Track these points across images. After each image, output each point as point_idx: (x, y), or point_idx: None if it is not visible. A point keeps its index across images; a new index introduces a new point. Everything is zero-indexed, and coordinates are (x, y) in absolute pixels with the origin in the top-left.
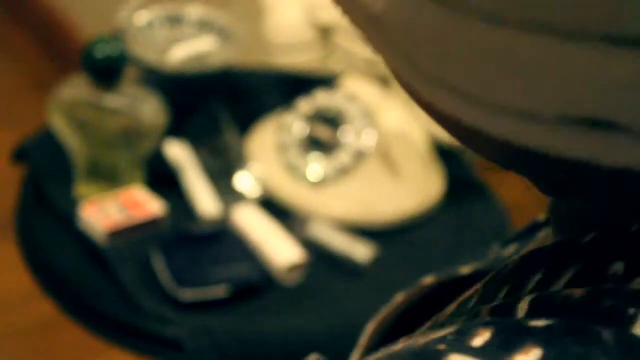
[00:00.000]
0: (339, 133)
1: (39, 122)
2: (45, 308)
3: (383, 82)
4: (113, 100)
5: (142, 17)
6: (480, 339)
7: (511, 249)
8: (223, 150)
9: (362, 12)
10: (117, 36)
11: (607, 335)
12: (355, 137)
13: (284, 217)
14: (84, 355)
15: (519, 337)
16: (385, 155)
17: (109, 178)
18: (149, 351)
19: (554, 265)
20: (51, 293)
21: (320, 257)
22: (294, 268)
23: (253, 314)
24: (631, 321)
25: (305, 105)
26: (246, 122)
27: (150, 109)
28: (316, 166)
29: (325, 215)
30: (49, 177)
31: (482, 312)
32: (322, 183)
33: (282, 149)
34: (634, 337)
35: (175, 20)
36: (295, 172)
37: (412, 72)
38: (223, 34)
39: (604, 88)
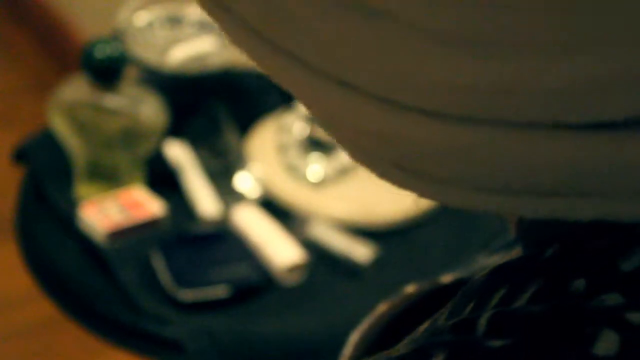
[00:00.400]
0: None
1: (39, 123)
2: (45, 308)
3: None
4: (113, 101)
5: (142, 17)
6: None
7: (495, 258)
8: (223, 151)
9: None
10: (117, 36)
11: (565, 356)
12: None
13: (284, 218)
14: (83, 355)
15: (474, 357)
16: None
17: (108, 178)
18: (149, 351)
19: (517, 280)
20: (51, 293)
21: (320, 258)
22: (294, 268)
23: (253, 314)
24: (591, 341)
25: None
26: (246, 122)
27: (150, 109)
28: (316, 166)
29: (325, 216)
30: (48, 178)
31: (445, 329)
32: (322, 183)
33: (282, 149)
34: (593, 356)
35: (175, 20)
36: (295, 173)
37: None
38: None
39: (538, 167)
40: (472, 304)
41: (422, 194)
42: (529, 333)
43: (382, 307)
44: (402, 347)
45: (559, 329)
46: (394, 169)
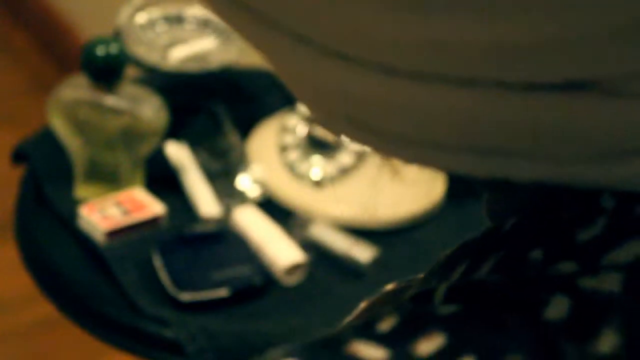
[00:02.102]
0: None
1: (39, 123)
2: (44, 308)
3: None
4: (113, 100)
5: (142, 17)
6: (386, 325)
7: None
8: (224, 151)
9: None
10: (117, 36)
11: (513, 321)
12: None
13: (284, 218)
14: (83, 356)
15: (425, 323)
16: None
17: (108, 178)
18: (149, 352)
19: (477, 254)
20: (50, 294)
21: (321, 258)
22: (294, 269)
23: (253, 314)
24: (542, 306)
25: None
26: (247, 122)
27: (151, 109)
28: (317, 167)
29: (326, 216)
30: (48, 178)
31: (405, 301)
32: (323, 184)
33: (283, 149)
34: (543, 321)
35: (175, 20)
36: (296, 173)
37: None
38: (223, 34)
39: (490, 123)
40: (434, 281)
41: (376, 149)
42: (480, 300)
43: (362, 305)
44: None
45: (510, 295)
46: (349, 125)
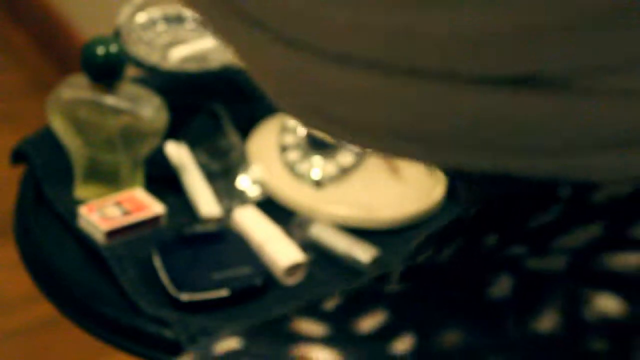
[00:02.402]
0: None
1: (40, 123)
2: (45, 308)
3: None
4: (113, 100)
5: (142, 17)
6: (331, 303)
7: None
8: (224, 151)
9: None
10: (117, 36)
11: (456, 298)
12: None
13: (285, 218)
14: (83, 356)
15: (369, 301)
16: (386, 156)
17: (108, 179)
18: (149, 353)
19: (441, 241)
20: (50, 294)
21: (322, 258)
22: (294, 269)
23: (253, 315)
24: (487, 285)
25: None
26: (247, 122)
27: (151, 109)
28: (317, 167)
29: (326, 216)
30: (48, 178)
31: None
32: (323, 184)
33: (283, 149)
34: (487, 299)
35: (175, 20)
36: (297, 173)
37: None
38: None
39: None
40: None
41: (340, 139)
42: (427, 280)
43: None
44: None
45: (457, 275)
46: (313, 115)
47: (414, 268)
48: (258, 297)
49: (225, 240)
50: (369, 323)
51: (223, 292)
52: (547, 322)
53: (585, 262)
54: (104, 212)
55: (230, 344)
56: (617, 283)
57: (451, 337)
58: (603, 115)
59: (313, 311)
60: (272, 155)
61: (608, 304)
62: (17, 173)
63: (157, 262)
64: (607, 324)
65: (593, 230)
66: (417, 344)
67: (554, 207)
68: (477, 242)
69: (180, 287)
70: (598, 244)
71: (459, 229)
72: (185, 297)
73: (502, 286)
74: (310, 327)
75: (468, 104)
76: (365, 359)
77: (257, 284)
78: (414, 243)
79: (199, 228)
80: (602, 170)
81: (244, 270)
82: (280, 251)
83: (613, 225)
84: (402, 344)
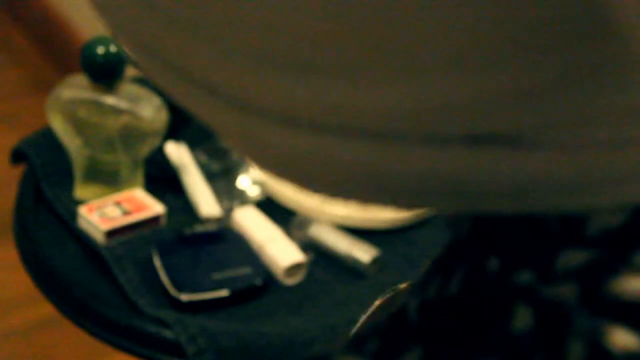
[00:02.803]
0: None
1: (39, 123)
2: (44, 308)
3: None
4: (112, 100)
5: None
6: (372, 345)
7: None
8: (224, 151)
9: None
10: None
11: (482, 332)
12: None
13: (284, 218)
14: (83, 356)
15: (402, 340)
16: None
17: (108, 179)
18: (148, 353)
19: (445, 269)
20: (50, 294)
21: (322, 258)
22: (294, 269)
23: (253, 315)
24: (508, 317)
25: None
26: None
27: (151, 109)
28: None
29: (326, 217)
30: (47, 178)
31: (383, 319)
32: None
33: None
34: (510, 332)
35: None
36: None
37: None
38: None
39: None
40: (412, 297)
41: (305, 189)
42: (449, 317)
43: (377, 303)
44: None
45: (474, 307)
46: (280, 175)
47: (429, 302)
48: (258, 297)
49: (225, 240)
50: None
51: (223, 292)
52: (575, 356)
53: (594, 290)
54: (104, 212)
55: None
56: (630, 315)
57: None
58: (551, 167)
59: (358, 351)
60: None
61: (627, 340)
62: (16, 173)
63: (157, 262)
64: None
65: (592, 253)
66: None
67: (549, 224)
68: (480, 268)
69: (180, 288)
70: (601, 267)
71: (458, 254)
72: (185, 297)
73: (523, 318)
74: None
75: (421, 164)
76: None
77: (257, 284)
78: (422, 271)
79: (199, 228)
80: (555, 209)
81: (244, 270)
82: (280, 251)
83: (612, 249)
84: None
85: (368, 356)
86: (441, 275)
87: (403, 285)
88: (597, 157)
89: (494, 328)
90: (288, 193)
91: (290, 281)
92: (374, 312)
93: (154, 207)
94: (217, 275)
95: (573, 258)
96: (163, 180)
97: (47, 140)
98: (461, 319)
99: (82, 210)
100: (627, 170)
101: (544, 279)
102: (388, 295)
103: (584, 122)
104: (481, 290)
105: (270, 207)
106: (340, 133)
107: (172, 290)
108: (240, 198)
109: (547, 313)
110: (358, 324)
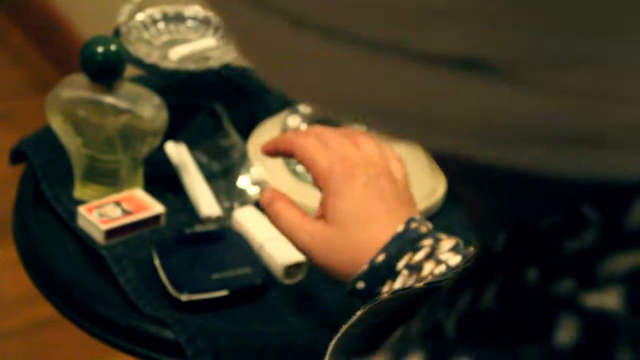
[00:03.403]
0: None
1: (39, 122)
2: (44, 309)
3: None
4: (112, 100)
5: (142, 16)
6: None
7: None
8: (224, 151)
9: None
10: (117, 35)
11: (530, 352)
12: None
13: None
14: (83, 356)
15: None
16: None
17: (108, 179)
18: (148, 353)
19: (477, 281)
20: (50, 294)
21: None
22: (294, 269)
23: (253, 315)
24: (552, 330)
25: (307, 105)
26: (248, 122)
27: (150, 109)
28: None
29: None
30: (47, 178)
31: (416, 335)
32: None
33: None
34: (556, 347)
35: (175, 19)
36: (297, 173)
37: None
38: (224, 33)
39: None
40: (441, 310)
41: (320, 111)
42: (492, 333)
43: (359, 313)
44: (377, 356)
45: (519, 324)
46: (291, 87)
47: (469, 318)
48: (258, 297)
49: (225, 240)
50: None
51: (223, 292)
52: None
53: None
54: (104, 212)
55: None
56: None
57: None
58: (538, 109)
59: None
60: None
61: None
62: (16, 173)
63: (157, 262)
64: None
65: (634, 256)
66: None
67: (586, 231)
68: (518, 279)
69: (180, 287)
70: None
71: (491, 266)
72: (185, 297)
73: (567, 329)
74: None
75: (412, 82)
76: None
77: (257, 283)
78: (446, 284)
79: (199, 228)
80: (532, 163)
81: (244, 270)
82: (280, 251)
83: None
84: None
85: None
86: (473, 287)
87: (385, 295)
88: (595, 109)
89: (537, 340)
90: (287, 193)
91: (290, 281)
92: (357, 321)
93: (154, 207)
94: (217, 275)
95: (617, 263)
96: (163, 180)
97: (46, 140)
98: (503, 333)
99: (82, 210)
100: (616, 130)
101: (587, 287)
102: (370, 305)
103: (582, 65)
104: (520, 302)
105: None
106: (345, 39)
107: (171, 290)
108: (240, 198)
109: (592, 322)
110: (339, 334)
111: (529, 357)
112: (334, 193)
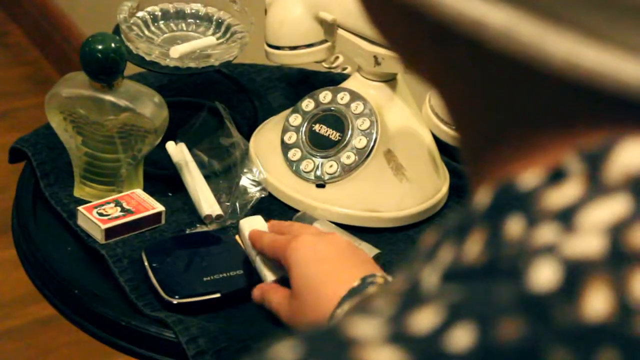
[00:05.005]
0: (343, 132)
1: (38, 121)
2: (44, 309)
3: (388, 80)
4: (112, 98)
5: (143, 14)
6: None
7: None
8: (225, 150)
9: None
10: (117, 33)
11: (501, 291)
12: (359, 136)
13: (285, 217)
14: (83, 356)
15: (420, 301)
16: (389, 155)
17: (107, 178)
18: (148, 353)
19: (457, 234)
20: (50, 294)
21: None
22: (285, 282)
23: (254, 316)
24: (527, 271)
25: (309, 104)
26: (249, 121)
27: (150, 107)
28: (319, 166)
29: (328, 215)
30: (46, 176)
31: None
32: (325, 183)
33: (285, 148)
34: (529, 287)
35: (175, 17)
36: (299, 172)
37: None
38: (225, 31)
39: None
40: (427, 266)
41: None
42: (474, 278)
43: (346, 308)
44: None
45: (498, 271)
46: None
47: (454, 270)
48: (250, 300)
49: (217, 242)
50: (425, 320)
51: (215, 295)
52: (597, 309)
53: (618, 243)
54: (103, 211)
55: (288, 355)
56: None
57: (510, 328)
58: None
59: (366, 313)
60: (275, 154)
61: None
62: (15, 171)
63: (147, 264)
64: None
65: (617, 206)
66: (478, 337)
67: (568, 183)
68: (501, 232)
69: (172, 290)
70: (625, 221)
71: (475, 221)
72: (176, 300)
73: (545, 273)
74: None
75: None
76: (425, 356)
77: (248, 286)
78: (422, 242)
79: (198, 228)
80: (489, 25)
81: (236, 272)
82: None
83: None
84: (462, 338)
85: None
86: (453, 242)
87: (372, 290)
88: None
89: (511, 280)
90: (288, 192)
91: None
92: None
93: (154, 206)
94: (217, 276)
95: (598, 213)
96: (163, 179)
97: (45, 138)
98: (481, 279)
99: (82, 210)
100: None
101: (568, 235)
102: (357, 301)
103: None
104: (503, 252)
105: (271, 206)
106: None
107: (163, 294)
108: (240, 198)
109: (572, 267)
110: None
111: (500, 294)
112: (289, 265)
